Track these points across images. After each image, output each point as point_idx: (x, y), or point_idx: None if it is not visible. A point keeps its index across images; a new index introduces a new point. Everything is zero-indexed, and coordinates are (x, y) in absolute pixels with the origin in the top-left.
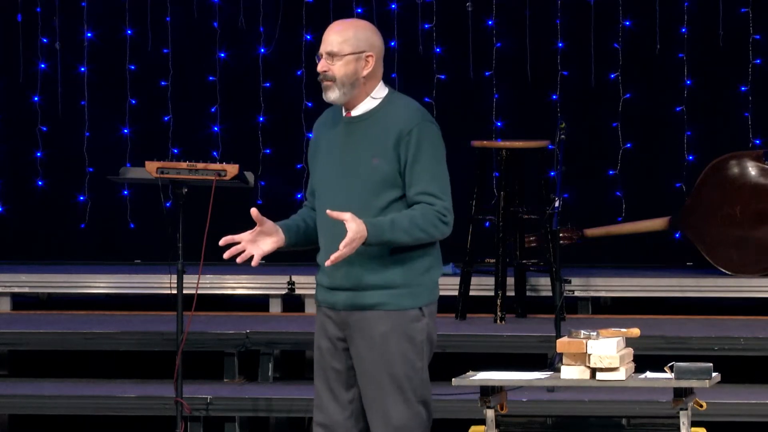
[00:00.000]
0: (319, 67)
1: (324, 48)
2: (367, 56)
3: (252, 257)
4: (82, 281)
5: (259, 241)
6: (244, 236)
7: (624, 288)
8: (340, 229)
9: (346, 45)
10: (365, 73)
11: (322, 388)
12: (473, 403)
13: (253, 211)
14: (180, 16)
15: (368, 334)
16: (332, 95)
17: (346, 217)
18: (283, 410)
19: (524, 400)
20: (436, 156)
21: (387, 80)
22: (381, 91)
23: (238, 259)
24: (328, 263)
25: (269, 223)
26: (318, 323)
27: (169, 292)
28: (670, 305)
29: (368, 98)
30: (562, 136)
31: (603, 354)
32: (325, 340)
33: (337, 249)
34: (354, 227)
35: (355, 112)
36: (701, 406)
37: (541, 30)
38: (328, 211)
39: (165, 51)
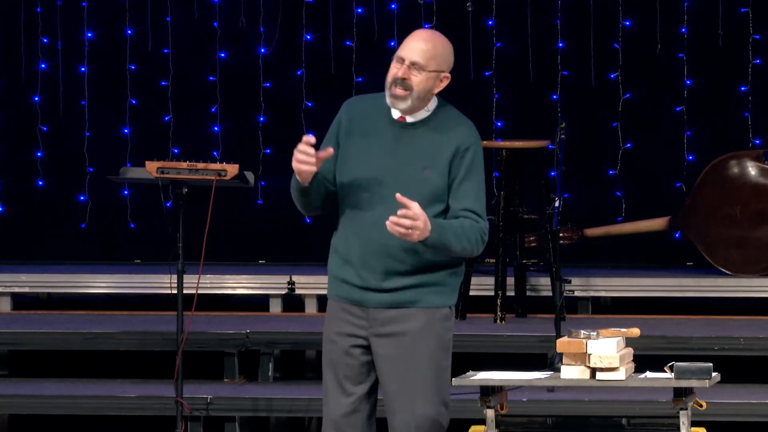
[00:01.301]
0: (400, 73)
1: (409, 55)
2: (444, 76)
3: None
4: (83, 281)
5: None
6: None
7: (624, 288)
8: (376, 233)
9: (433, 61)
10: (436, 91)
11: (331, 382)
12: (473, 403)
13: (311, 138)
14: (180, 16)
15: (400, 331)
16: (402, 105)
17: (415, 206)
18: (283, 410)
19: (524, 399)
20: (482, 177)
21: None
22: (434, 101)
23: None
24: (394, 220)
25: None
26: (333, 318)
27: (169, 291)
28: (670, 305)
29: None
30: (562, 136)
31: (603, 354)
32: (341, 336)
33: (370, 253)
34: (423, 217)
35: (410, 119)
36: (701, 405)
37: (541, 30)
38: (398, 195)
39: (165, 51)
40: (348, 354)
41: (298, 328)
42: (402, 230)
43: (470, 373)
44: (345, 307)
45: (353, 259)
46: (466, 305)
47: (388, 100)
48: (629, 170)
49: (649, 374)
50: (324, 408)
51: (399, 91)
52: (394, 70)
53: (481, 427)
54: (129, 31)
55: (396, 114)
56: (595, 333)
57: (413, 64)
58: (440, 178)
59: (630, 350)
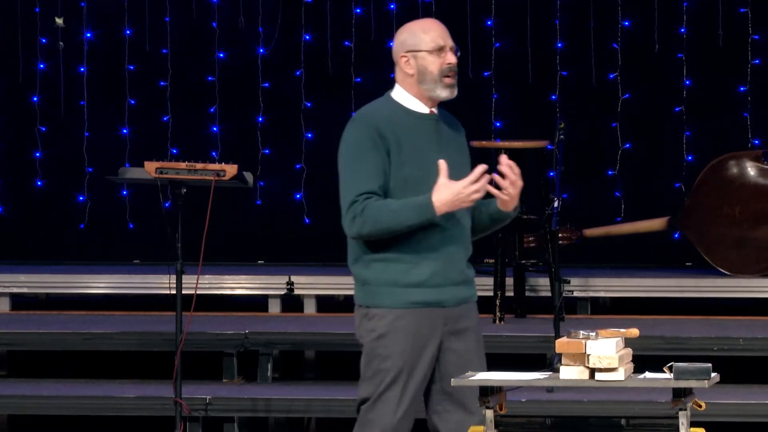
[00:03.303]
0: (455, 59)
1: (450, 42)
2: None
3: None
4: (81, 281)
5: None
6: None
7: (623, 288)
8: (451, 228)
9: None
10: None
11: (396, 392)
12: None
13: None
14: (179, 17)
15: (471, 324)
16: (455, 91)
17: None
18: (282, 410)
19: (523, 400)
20: None
21: (386, 80)
22: None
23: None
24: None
25: None
26: (409, 328)
27: (168, 292)
28: (670, 305)
29: None
30: (562, 136)
31: (602, 354)
32: (421, 344)
33: (447, 249)
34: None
35: (434, 110)
36: (700, 406)
37: (540, 30)
38: (503, 157)
39: (164, 51)
40: (429, 359)
41: (297, 328)
42: (513, 177)
43: (469, 373)
44: (421, 312)
45: (428, 259)
46: None
47: (443, 92)
48: (628, 170)
49: (648, 375)
50: (371, 414)
51: (453, 79)
52: (442, 59)
53: (480, 428)
54: (128, 32)
55: (426, 109)
56: (594, 333)
57: (452, 49)
58: (469, 165)
59: (629, 351)
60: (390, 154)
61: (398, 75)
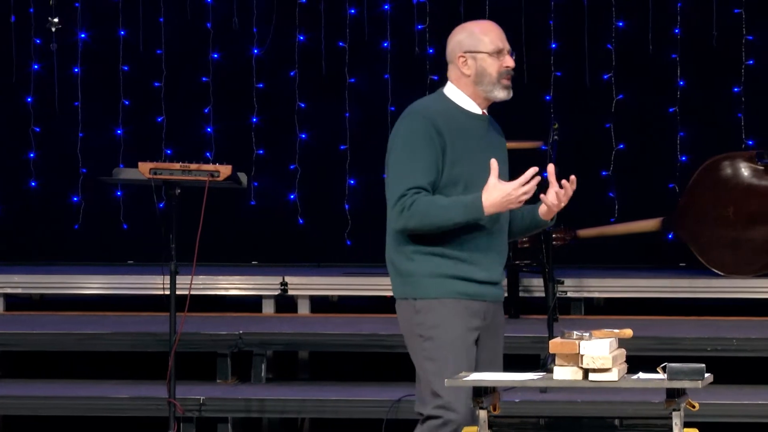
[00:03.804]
0: (513, 63)
1: (507, 45)
2: None
3: None
4: (75, 282)
5: None
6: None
7: (617, 289)
8: (496, 228)
9: None
10: None
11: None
12: None
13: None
14: (173, 17)
15: (501, 323)
16: (511, 93)
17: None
18: (275, 411)
19: (517, 401)
20: None
21: (381, 81)
22: None
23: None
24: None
25: None
26: (457, 317)
27: (162, 292)
28: (663, 306)
29: None
30: (555, 137)
31: (595, 355)
32: (469, 331)
33: (491, 247)
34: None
35: (486, 111)
36: (694, 406)
37: (534, 30)
38: (573, 178)
39: (158, 52)
40: (472, 347)
41: (290, 328)
42: (570, 193)
43: (463, 374)
44: (467, 304)
45: (472, 256)
46: None
47: (501, 93)
48: (622, 171)
49: (641, 375)
50: (444, 407)
51: (509, 80)
52: (500, 63)
53: (474, 428)
54: (122, 32)
55: (479, 109)
56: (587, 334)
57: (509, 52)
58: (508, 170)
59: (623, 351)
60: (444, 152)
61: (452, 73)
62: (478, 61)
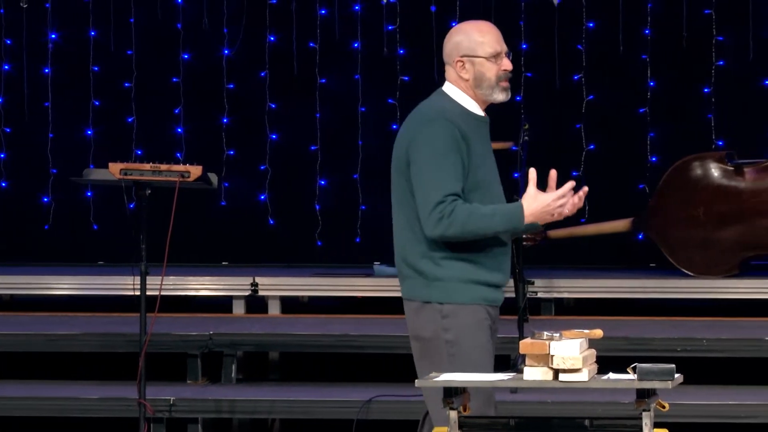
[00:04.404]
0: (511, 66)
1: (506, 47)
2: None
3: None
4: (46, 282)
5: None
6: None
7: (587, 289)
8: (508, 242)
9: None
10: None
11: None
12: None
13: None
14: (144, 18)
15: (498, 326)
16: (510, 94)
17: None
18: (246, 411)
19: None
20: None
21: (351, 81)
22: None
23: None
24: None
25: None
26: (480, 324)
27: (132, 293)
28: (634, 306)
29: None
30: (526, 138)
31: (566, 355)
32: (493, 338)
33: (507, 253)
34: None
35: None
36: (664, 407)
37: (504, 31)
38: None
39: (129, 52)
40: (494, 351)
41: (261, 329)
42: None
43: (433, 374)
44: (488, 309)
45: (495, 261)
46: None
47: (500, 96)
48: (592, 171)
49: (611, 375)
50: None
51: (508, 82)
52: (498, 66)
53: (444, 429)
54: (92, 33)
55: (481, 111)
56: (558, 334)
57: (507, 54)
58: None
59: (593, 351)
60: (468, 156)
61: (450, 75)
62: (476, 66)
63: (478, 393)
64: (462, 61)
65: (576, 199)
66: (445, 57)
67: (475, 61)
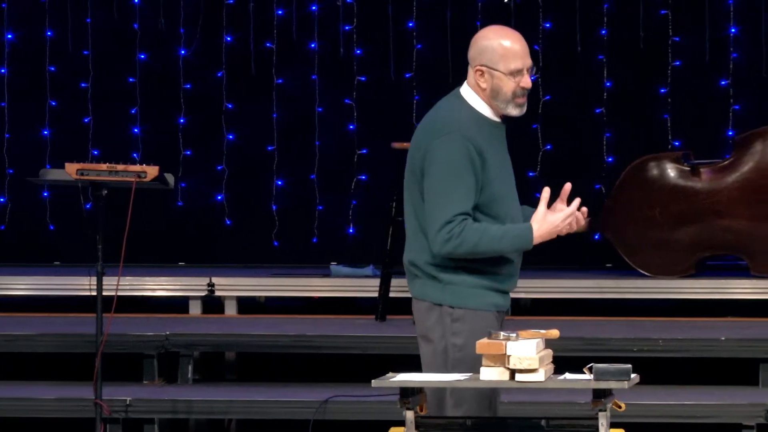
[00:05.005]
0: (530, 84)
1: (530, 62)
2: None
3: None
4: (2, 283)
5: None
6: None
7: (543, 289)
8: None
9: None
10: None
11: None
12: (393, 405)
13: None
14: (100, 18)
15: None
16: (525, 109)
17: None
18: (202, 412)
19: None
20: None
21: (308, 82)
22: None
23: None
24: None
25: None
26: (491, 329)
27: (88, 293)
28: (590, 306)
29: None
30: None
31: (522, 355)
32: None
33: (519, 261)
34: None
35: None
36: (620, 407)
37: (461, 31)
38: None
39: (85, 52)
40: None
41: (217, 329)
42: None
43: (390, 374)
44: (496, 315)
45: (509, 268)
46: (386, 307)
47: (514, 111)
48: (549, 172)
49: (568, 376)
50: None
51: (524, 98)
52: (516, 83)
53: (401, 429)
54: (49, 33)
55: (498, 118)
56: (514, 334)
57: (529, 70)
58: None
59: (549, 352)
60: (483, 172)
61: (470, 79)
62: (494, 79)
63: (474, 395)
64: (482, 71)
65: (580, 215)
66: (469, 58)
67: (494, 74)
